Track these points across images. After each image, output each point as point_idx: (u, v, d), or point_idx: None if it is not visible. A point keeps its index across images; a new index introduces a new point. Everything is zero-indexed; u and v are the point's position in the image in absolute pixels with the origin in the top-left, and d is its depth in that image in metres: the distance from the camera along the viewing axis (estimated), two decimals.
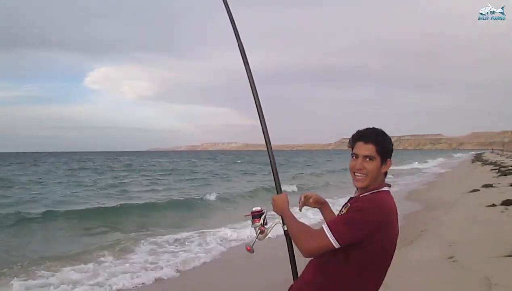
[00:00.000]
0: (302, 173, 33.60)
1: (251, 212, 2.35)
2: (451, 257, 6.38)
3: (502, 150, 79.57)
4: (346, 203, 2.07)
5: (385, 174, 2.09)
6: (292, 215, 2.15)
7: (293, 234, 2.08)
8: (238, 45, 2.87)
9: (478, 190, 15.08)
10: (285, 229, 2.25)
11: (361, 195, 2.05)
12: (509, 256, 6.04)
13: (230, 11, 2.97)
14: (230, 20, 3.05)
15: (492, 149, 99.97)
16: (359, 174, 2.05)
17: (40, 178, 28.92)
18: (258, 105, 2.65)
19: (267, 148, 2.57)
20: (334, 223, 1.94)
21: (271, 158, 2.54)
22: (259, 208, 2.36)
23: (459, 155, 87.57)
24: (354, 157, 2.08)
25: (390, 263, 2.03)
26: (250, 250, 2.22)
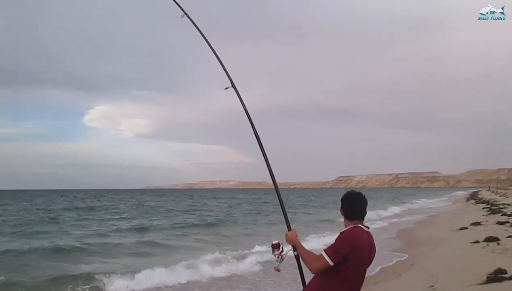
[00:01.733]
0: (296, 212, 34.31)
1: (272, 244, 3.51)
2: (432, 286, 7.43)
3: (497, 188, 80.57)
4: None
5: (349, 217, 3.26)
6: (301, 245, 3.33)
7: (303, 258, 3.25)
8: (232, 85, 4.07)
9: (467, 228, 16.12)
10: (295, 254, 3.39)
11: (341, 231, 3.24)
12: (480, 284, 7.10)
13: (218, 56, 4.27)
14: (220, 62, 4.27)
15: (489, 187, 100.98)
16: None
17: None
18: (260, 145, 3.86)
19: (277, 192, 3.84)
20: (328, 248, 3.11)
21: (281, 201, 3.76)
22: (276, 241, 3.52)
23: (457, 192, 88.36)
24: None
25: (363, 272, 3.20)
26: (278, 270, 3.43)
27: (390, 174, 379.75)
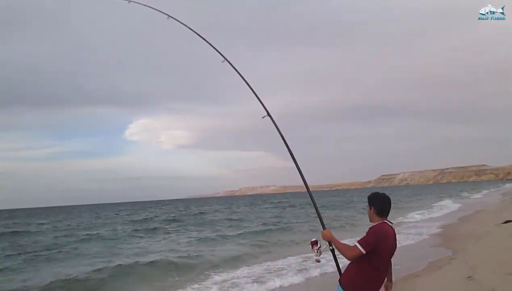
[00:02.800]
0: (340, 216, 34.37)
1: (310, 242, 4.20)
2: (469, 277, 7.82)
3: None
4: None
5: (380, 214, 3.88)
6: (337, 239, 4.04)
7: (340, 249, 3.94)
8: (268, 114, 4.74)
9: (511, 221, 16.00)
10: (331, 248, 4.05)
11: (370, 226, 3.86)
12: None
13: (255, 91, 5.00)
14: (256, 95, 4.96)
15: None
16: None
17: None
18: (290, 152, 4.53)
19: (310, 194, 4.49)
20: (361, 240, 3.79)
21: (314, 203, 4.45)
22: (314, 239, 4.20)
23: (508, 185, 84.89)
24: None
25: (389, 260, 3.82)
26: (319, 261, 4.21)
27: (435, 170, 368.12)
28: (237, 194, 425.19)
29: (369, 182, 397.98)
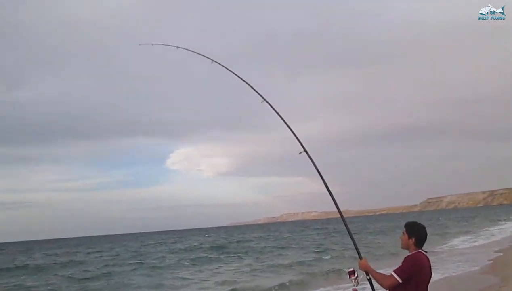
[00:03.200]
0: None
1: (348, 272, 4.46)
2: None
3: None
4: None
5: (418, 244, 4.07)
6: (373, 269, 4.29)
7: (377, 279, 4.20)
8: (304, 150, 5.02)
9: None
10: (368, 278, 4.29)
11: (406, 256, 4.07)
12: None
13: (292, 129, 5.34)
14: (293, 132, 5.27)
15: None
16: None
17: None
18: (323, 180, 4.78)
19: (345, 224, 4.75)
20: (397, 269, 4.03)
21: (349, 232, 4.74)
22: (352, 268, 4.45)
23: None
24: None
25: (425, 289, 4.00)
26: (356, 290, 4.37)
27: (484, 192, 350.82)
28: (278, 220, 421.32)
29: (415, 205, 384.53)
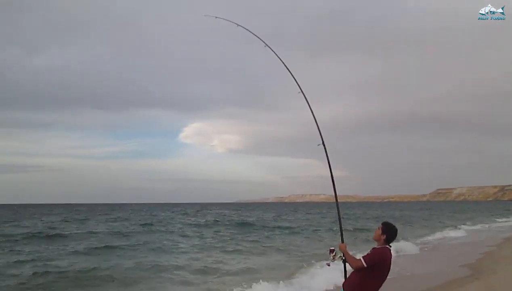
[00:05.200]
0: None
1: (329, 249, 5.29)
2: None
3: None
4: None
5: (388, 241, 4.92)
6: (348, 252, 5.05)
7: (349, 261, 5.00)
8: (323, 143, 5.66)
9: None
10: (343, 259, 5.15)
11: (375, 247, 4.95)
12: None
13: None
14: (317, 124, 5.78)
15: None
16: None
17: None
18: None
19: (337, 207, 5.60)
20: (366, 256, 4.82)
21: (339, 216, 5.55)
22: (333, 248, 5.29)
23: None
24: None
25: (385, 276, 4.85)
26: (329, 265, 5.27)
27: (495, 186, 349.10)
28: (286, 200, 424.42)
29: (424, 195, 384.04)
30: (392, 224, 5.07)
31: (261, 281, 10.85)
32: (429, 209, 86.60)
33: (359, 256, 4.98)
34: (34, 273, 13.16)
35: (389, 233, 4.95)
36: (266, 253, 19.03)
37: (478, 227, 33.21)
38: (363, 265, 4.77)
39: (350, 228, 30.36)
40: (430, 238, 24.33)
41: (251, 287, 10.50)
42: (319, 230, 31.34)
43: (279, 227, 33.68)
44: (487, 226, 34.36)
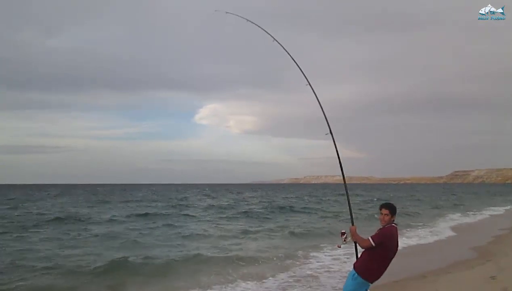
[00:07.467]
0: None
1: (341, 231, 5.73)
2: (493, 276, 8.84)
3: None
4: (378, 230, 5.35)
5: (393, 220, 5.32)
6: (358, 234, 5.49)
7: (358, 242, 5.47)
8: (330, 132, 6.06)
9: None
10: (354, 240, 5.57)
11: (381, 228, 5.34)
12: None
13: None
14: (325, 116, 6.19)
15: None
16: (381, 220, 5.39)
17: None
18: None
19: (346, 191, 6.02)
20: (374, 236, 5.27)
21: (348, 199, 5.94)
22: (344, 230, 5.72)
23: None
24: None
25: (393, 254, 5.26)
26: (340, 247, 5.79)
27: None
28: (301, 182, 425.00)
29: (441, 177, 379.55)
30: (392, 203, 5.49)
31: None
32: (451, 193, 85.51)
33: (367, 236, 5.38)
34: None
35: (395, 212, 5.37)
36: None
37: (501, 210, 33.13)
38: (372, 244, 5.21)
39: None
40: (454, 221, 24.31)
41: None
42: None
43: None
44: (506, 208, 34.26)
